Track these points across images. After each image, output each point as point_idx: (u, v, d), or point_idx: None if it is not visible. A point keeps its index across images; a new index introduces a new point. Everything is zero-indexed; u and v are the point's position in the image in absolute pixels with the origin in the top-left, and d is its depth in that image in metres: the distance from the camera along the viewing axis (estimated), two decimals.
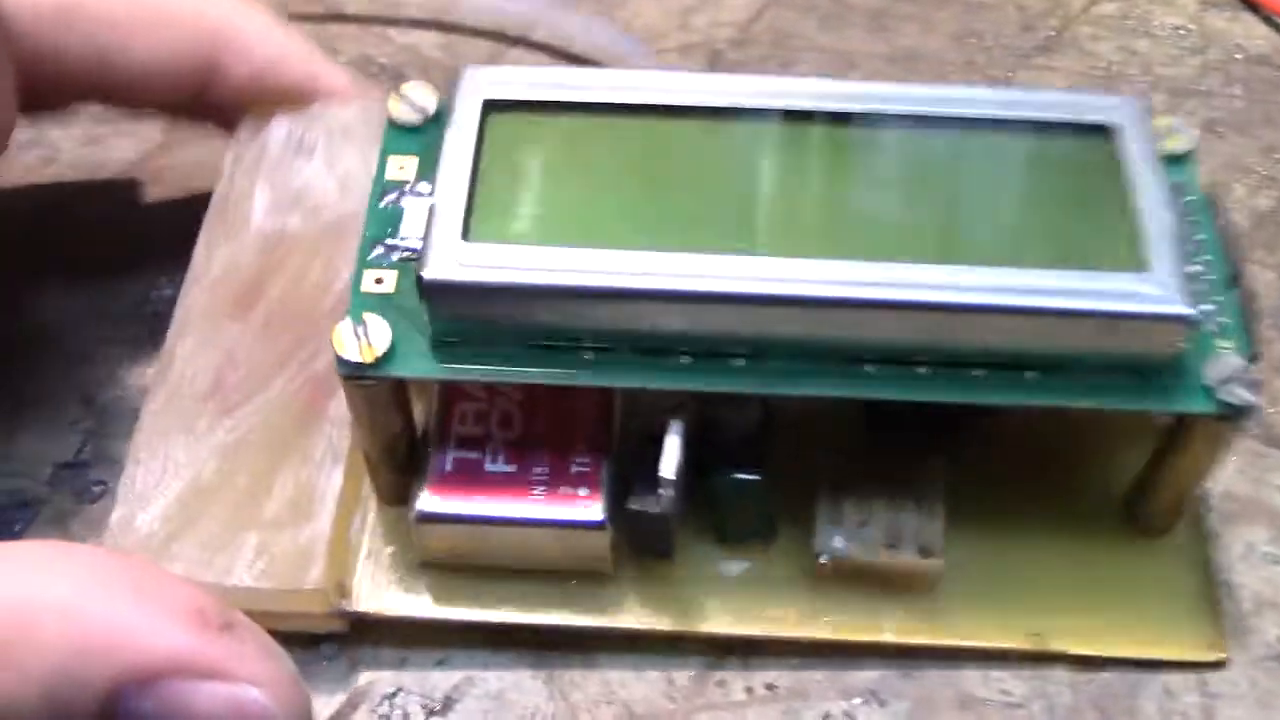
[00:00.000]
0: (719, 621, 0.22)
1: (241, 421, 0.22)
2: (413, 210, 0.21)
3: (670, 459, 0.20)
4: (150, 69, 0.24)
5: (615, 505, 0.21)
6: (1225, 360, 0.20)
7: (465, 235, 0.20)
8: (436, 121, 0.22)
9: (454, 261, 0.19)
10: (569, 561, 0.22)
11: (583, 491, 0.21)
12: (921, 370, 0.20)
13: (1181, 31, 0.35)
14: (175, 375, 0.23)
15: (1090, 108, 0.21)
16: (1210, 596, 0.22)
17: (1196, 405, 0.20)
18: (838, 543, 0.21)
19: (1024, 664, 0.22)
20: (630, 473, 0.21)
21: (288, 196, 0.24)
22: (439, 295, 0.20)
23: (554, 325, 0.20)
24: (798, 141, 0.21)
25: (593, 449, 0.21)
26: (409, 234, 0.21)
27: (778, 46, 0.34)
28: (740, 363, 0.20)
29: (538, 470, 0.21)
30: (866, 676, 0.22)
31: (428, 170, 0.21)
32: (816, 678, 0.22)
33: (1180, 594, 0.22)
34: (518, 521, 0.21)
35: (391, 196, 0.21)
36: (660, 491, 0.20)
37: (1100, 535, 0.22)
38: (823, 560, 0.21)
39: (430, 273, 0.19)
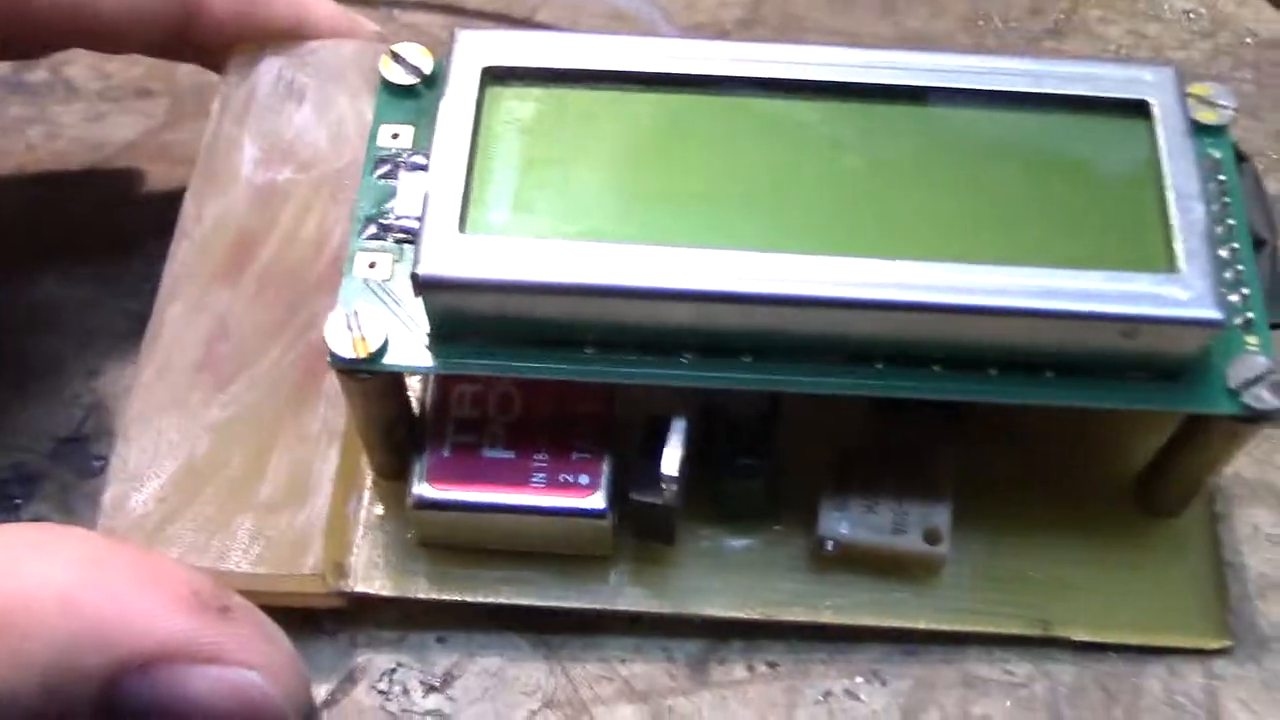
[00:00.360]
0: (720, 604, 0.21)
1: (235, 398, 0.22)
2: (408, 185, 0.20)
3: (672, 456, 0.20)
4: (129, 6, 0.23)
5: (616, 493, 0.21)
6: (1251, 360, 0.19)
7: (462, 227, 0.19)
8: (432, 85, 0.21)
9: (450, 256, 0.19)
10: (569, 546, 0.21)
11: (584, 479, 0.20)
12: (935, 368, 0.19)
13: (1191, 15, 0.35)
14: (165, 344, 0.22)
15: (1122, 82, 0.20)
16: (1217, 583, 0.22)
17: (1219, 407, 0.19)
18: (842, 528, 0.21)
19: (1028, 647, 0.22)
20: (632, 461, 0.20)
21: (278, 147, 0.24)
22: (434, 291, 0.19)
23: (555, 322, 0.19)
24: (812, 120, 0.20)
25: (594, 435, 0.21)
26: (405, 211, 0.20)
27: (785, 28, 0.34)
28: (747, 359, 0.19)
29: (538, 457, 0.21)
30: (868, 655, 0.22)
31: (424, 138, 0.20)
32: (818, 657, 0.22)
33: (1187, 580, 0.22)
34: (517, 509, 0.21)
35: (385, 168, 0.21)
36: (662, 485, 0.20)
37: (1107, 522, 0.22)
38: (828, 546, 0.21)
39: (425, 269, 0.19)
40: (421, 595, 0.21)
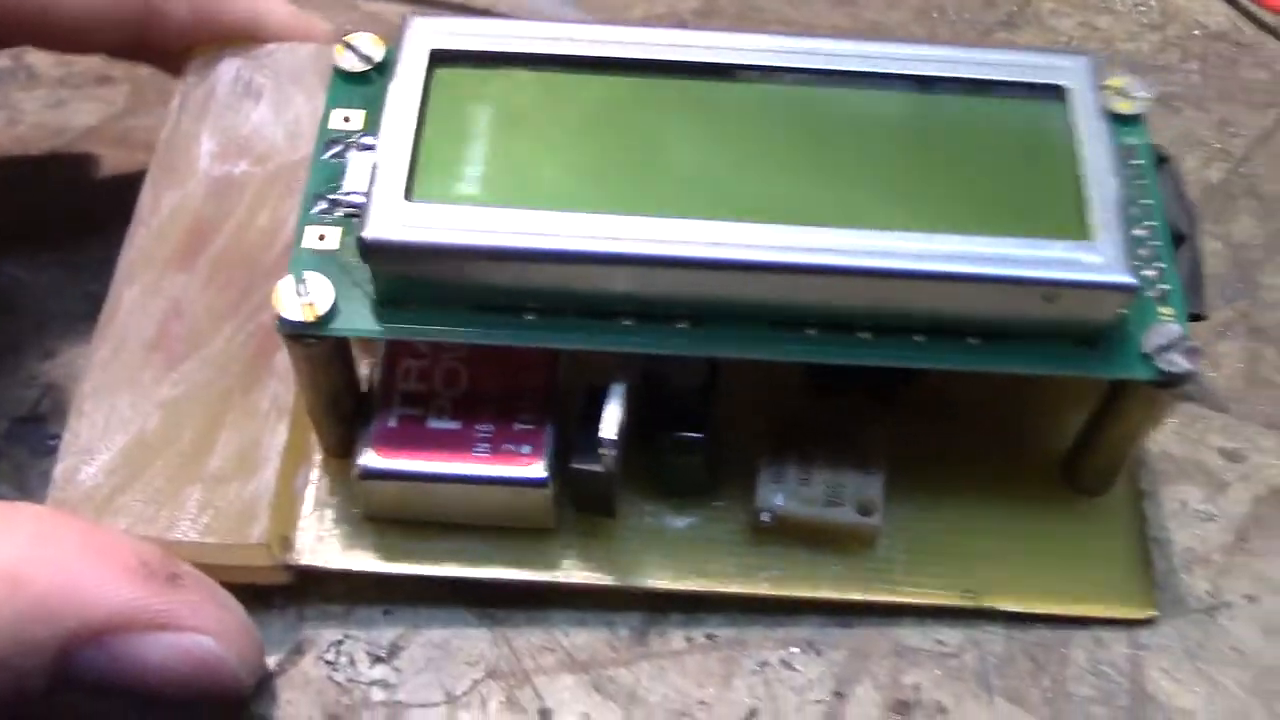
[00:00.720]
0: (660, 576, 0.22)
1: (187, 376, 0.22)
2: (357, 164, 0.21)
3: (611, 421, 0.20)
4: (89, 11, 0.24)
5: (558, 463, 0.21)
6: (1164, 328, 0.20)
7: (408, 195, 0.20)
8: (383, 71, 0.22)
9: (396, 222, 0.19)
10: (512, 518, 0.22)
11: (525, 449, 0.21)
12: (864, 335, 0.20)
13: (1142, 8, 0.35)
14: (120, 324, 0.22)
15: (1041, 68, 0.21)
16: (1143, 556, 0.23)
17: (1135, 372, 0.20)
18: (778, 500, 0.22)
19: (959, 618, 0.22)
20: (573, 431, 0.21)
21: (235, 142, 0.24)
22: (380, 256, 0.19)
23: (497, 287, 0.20)
24: (749, 101, 0.21)
25: (536, 406, 0.21)
26: (353, 188, 0.21)
27: (742, 19, 0.34)
28: (684, 325, 0.20)
29: (481, 427, 0.21)
30: (804, 627, 0.22)
31: (374, 121, 0.21)
32: (755, 628, 0.22)
33: (1113, 553, 0.23)
34: (461, 479, 0.21)
35: (336, 149, 0.21)
36: (602, 451, 0.20)
37: (1037, 495, 0.23)
38: (764, 517, 0.22)
39: (371, 233, 0.19)
40: (367, 569, 0.22)
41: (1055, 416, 0.23)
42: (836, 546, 0.22)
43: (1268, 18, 0.34)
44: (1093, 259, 0.19)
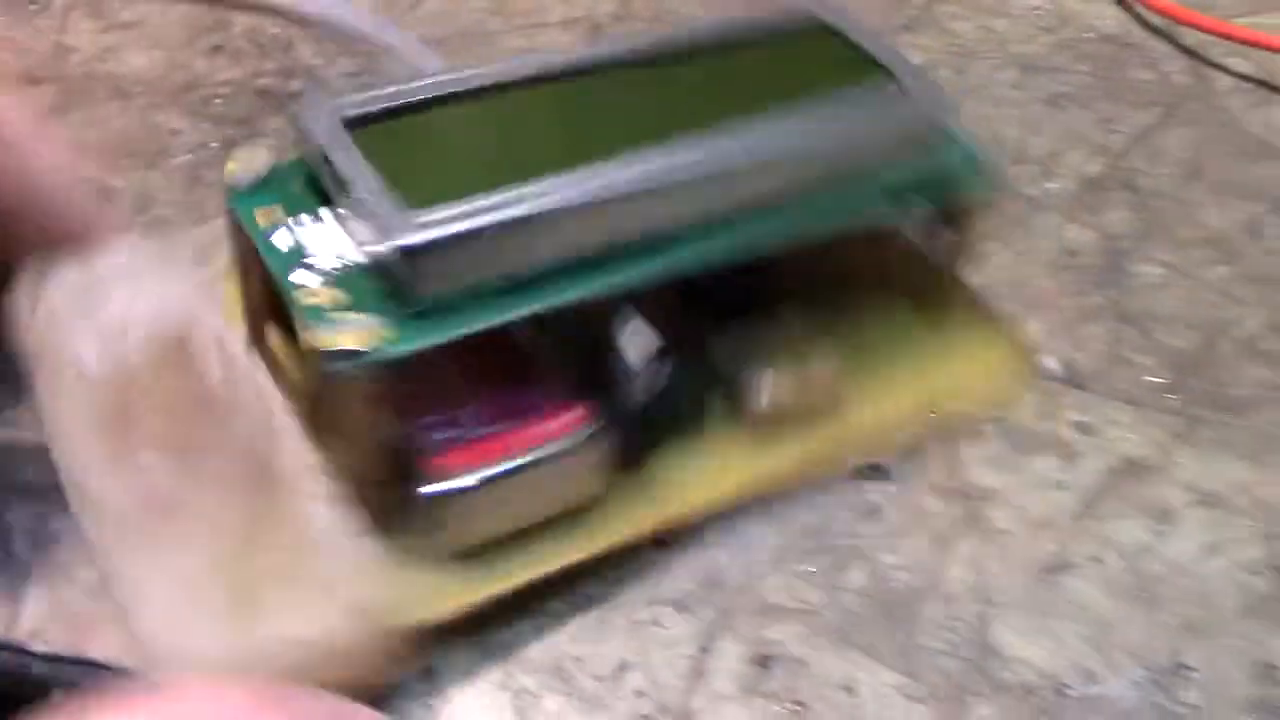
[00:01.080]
0: (699, 497, 0.24)
1: (186, 533, 0.21)
2: (309, 235, 0.22)
3: (639, 341, 0.22)
4: None
5: (598, 417, 0.22)
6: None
7: (408, 205, 0.21)
8: (275, 179, 0.23)
9: (416, 228, 0.20)
10: (575, 492, 0.23)
11: (567, 415, 0.22)
12: (740, 225, 0.23)
13: (1038, 11, 0.37)
14: (97, 503, 0.21)
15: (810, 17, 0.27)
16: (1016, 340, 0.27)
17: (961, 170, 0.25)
18: (764, 397, 0.24)
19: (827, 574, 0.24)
20: (600, 383, 0.22)
21: (108, 334, 0.23)
22: (420, 259, 0.20)
23: (517, 257, 0.21)
24: (601, 86, 0.25)
25: (554, 382, 0.22)
26: (317, 253, 0.21)
27: (657, 22, 0.36)
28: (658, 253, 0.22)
29: (515, 420, 0.22)
30: (673, 587, 0.23)
31: (297, 206, 0.22)
32: (627, 590, 0.23)
33: (998, 344, 0.27)
34: (528, 465, 0.22)
35: (277, 234, 0.22)
36: (638, 372, 0.22)
37: (916, 326, 0.27)
38: (762, 411, 0.24)
39: (405, 240, 0.20)
40: (470, 601, 0.22)
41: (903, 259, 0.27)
42: (815, 419, 0.25)
43: (1157, 21, 0.36)
44: (910, 96, 0.24)
